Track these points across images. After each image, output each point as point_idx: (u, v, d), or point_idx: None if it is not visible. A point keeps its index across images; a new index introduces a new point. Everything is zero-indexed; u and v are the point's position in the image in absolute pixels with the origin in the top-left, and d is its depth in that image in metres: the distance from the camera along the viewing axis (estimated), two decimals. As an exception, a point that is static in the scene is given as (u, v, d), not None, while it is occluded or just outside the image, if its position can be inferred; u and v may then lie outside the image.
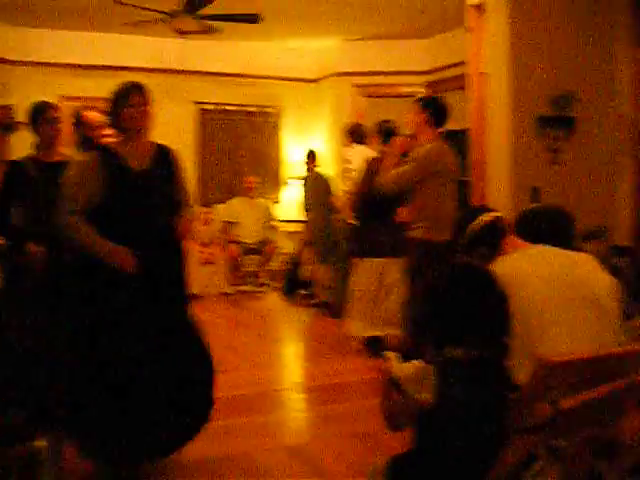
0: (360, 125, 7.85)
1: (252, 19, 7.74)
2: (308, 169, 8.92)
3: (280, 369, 6.07)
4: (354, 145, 7.47)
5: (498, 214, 2.84)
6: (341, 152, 8.22)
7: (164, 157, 3.58)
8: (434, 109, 5.19)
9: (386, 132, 6.15)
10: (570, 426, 2.03)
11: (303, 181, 8.97)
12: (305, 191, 8.75)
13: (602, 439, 2.14)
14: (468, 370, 2.04)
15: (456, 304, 2.12)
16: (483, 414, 2.01)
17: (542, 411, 1.87)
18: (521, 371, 2.10)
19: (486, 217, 2.79)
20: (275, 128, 10.80)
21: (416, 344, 4.28)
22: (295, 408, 4.95)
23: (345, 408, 4.68)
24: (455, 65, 8.47)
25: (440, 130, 5.27)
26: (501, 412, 2.00)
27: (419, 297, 4.50)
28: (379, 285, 6.02)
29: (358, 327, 6.11)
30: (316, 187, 8.61)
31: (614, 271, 3.45)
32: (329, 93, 10.45)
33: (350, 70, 10.00)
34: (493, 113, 6.23)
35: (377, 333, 6.00)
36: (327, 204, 8.40)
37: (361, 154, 6.89)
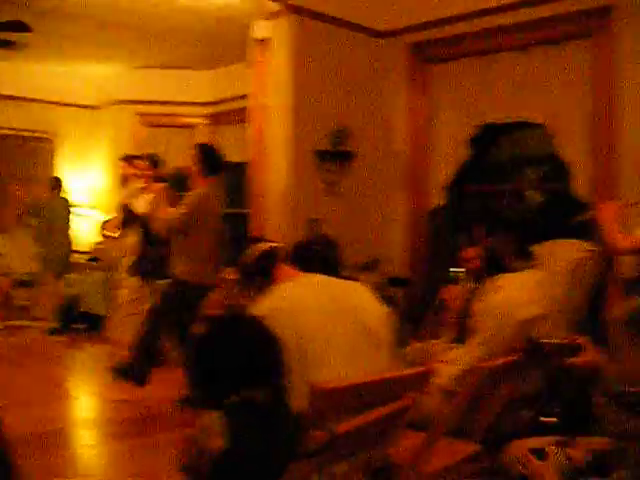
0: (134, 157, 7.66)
1: (23, 28, 7.34)
2: (52, 195, 9.11)
3: (56, 406, 5.70)
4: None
5: (272, 244, 2.84)
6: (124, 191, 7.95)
7: None
8: (204, 162, 5.43)
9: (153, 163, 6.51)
10: (346, 450, 2.03)
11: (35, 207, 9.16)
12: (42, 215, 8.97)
13: (376, 462, 2.16)
14: (249, 413, 2.00)
15: (221, 355, 2.10)
16: (270, 451, 1.97)
17: (318, 437, 1.86)
18: (300, 400, 2.08)
19: (260, 247, 2.79)
20: (50, 155, 10.33)
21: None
22: (80, 445, 4.81)
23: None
24: (238, 98, 8.53)
25: (212, 177, 5.45)
26: (288, 446, 1.97)
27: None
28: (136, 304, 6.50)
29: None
30: (61, 212, 9.06)
31: (389, 301, 3.57)
32: (110, 121, 10.15)
33: (132, 98, 9.78)
34: (273, 146, 6.30)
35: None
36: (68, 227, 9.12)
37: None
